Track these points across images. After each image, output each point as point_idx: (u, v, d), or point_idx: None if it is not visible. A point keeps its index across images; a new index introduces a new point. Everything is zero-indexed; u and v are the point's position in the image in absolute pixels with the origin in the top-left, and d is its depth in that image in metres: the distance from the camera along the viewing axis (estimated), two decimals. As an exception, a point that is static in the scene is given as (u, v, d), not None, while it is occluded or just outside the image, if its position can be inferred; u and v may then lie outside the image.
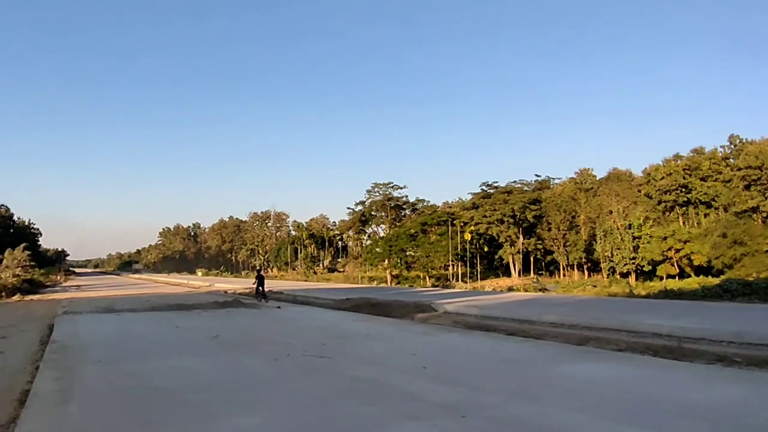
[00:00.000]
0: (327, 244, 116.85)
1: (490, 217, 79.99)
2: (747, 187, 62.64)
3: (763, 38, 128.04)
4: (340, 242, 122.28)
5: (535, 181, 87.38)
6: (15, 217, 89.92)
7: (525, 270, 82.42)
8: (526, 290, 33.46)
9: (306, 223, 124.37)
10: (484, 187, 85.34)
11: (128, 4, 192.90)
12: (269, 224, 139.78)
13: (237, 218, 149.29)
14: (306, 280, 69.35)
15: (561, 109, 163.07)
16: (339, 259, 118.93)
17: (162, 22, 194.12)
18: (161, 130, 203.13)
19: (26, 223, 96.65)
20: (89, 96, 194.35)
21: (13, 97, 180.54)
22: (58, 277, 70.96)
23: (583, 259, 76.56)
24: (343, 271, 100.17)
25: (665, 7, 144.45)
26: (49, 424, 5.49)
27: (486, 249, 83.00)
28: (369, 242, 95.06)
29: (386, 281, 70.53)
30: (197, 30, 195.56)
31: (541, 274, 79.29)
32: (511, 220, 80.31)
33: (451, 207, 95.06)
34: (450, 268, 74.02)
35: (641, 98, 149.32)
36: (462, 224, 70.73)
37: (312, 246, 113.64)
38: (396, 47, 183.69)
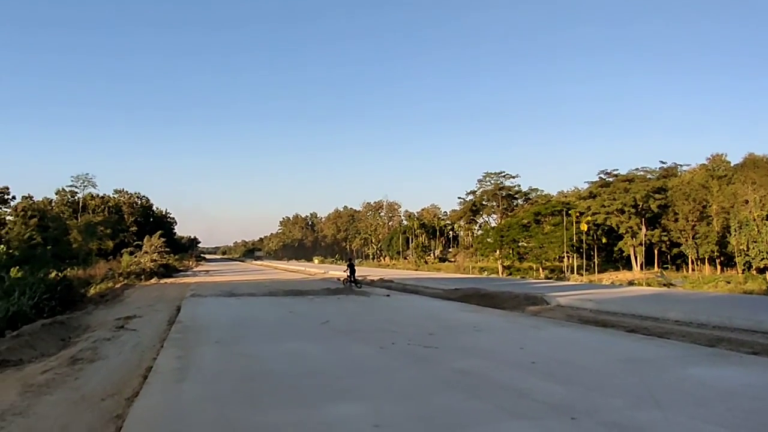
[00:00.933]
0: (438, 233, 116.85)
1: (608, 206, 75.99)
2: None
3: None
4: (450, 232, 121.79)
5: (659, 168, 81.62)
6: (154, 207, 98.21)
7: (648, 263, 77.56)
8: (648, 285, 31.42)
9: (417, 212, 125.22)
10: (602, 176, 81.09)
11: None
12: (382, 214, 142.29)
13: (351, 208, 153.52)
14: (416, 270, 69.87)
15: (687, 92, 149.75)
16: (449, 249, 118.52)
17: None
18: (280, 123, 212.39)
19: (164, 213, 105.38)
20: (220, 90, 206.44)
21: (153, 93, 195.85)
22: (190, 263, 76.96)
23: (716, 253, 70.56)
24: (454, 261, 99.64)
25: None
26: (164, 400, 5.87)
27: (604, 240, 78.96)
28: (480, 232, 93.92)
29: (497, 272, 69.44)
30: (309, 32, 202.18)
31: (666, 268, 74.22)
32: (633, 210, 75.80)
33: (566, 196, 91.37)
34: (564, 260, 71.36)
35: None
36: (578, 214, 67.75)
37: (423, 236, 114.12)
38: (510, 30, 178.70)
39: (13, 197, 69.28)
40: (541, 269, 70.18)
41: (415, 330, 10.90)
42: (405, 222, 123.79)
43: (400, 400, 5.73)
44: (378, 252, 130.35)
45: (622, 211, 74.93)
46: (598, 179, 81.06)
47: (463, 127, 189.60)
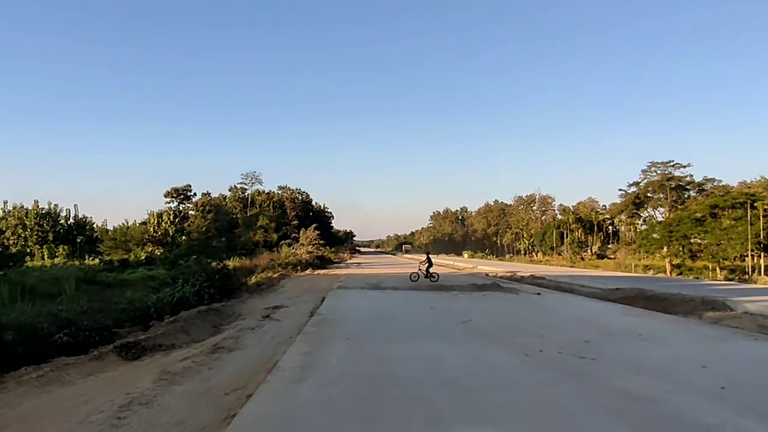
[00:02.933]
0: (596, 228, 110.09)
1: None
2: None
3: None
4: (610, 227, 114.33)
5: None
6: (313, 202, 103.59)
7: None
8: None
9: (573, 206, 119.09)
10: (797, 162, 70.52)
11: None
12: (534, 208, 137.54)
13: (502, 202, 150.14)
14: (572, 266, 66.01)
15: None
16: (609, 245, 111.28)
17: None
18: (433, 115, 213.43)
19: (322, 207, 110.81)
20: (380, 85, 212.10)
21: (313, 90, 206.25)
22: (345, 255, 80.00)
23: None
24: (614, 258, 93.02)
25: None
26: (276, 403, 5.37)
27: (799, 237, 68.76)
28: (644, 227, 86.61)
29: (665, 271, 63.38)
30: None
31: None
32: (839, 202, 64.92)
33: (749, 187, 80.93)
34: (748, 259, 63.12)
35: None
36: (766, 207, 59.45)
37: (579, 230, 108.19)
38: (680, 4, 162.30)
39: (194, 194, 77.08)
40: (718, 269, 62.82)
41: (568, 335, 9.52)
42: (559, 216, 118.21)
43: (543, 428, 4.67)
44: (530, 247, 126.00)
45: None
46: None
47: (623, 115, 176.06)
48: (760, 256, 60.66)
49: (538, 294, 18.86)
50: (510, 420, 4.90)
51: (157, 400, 6.27)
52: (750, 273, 57.86)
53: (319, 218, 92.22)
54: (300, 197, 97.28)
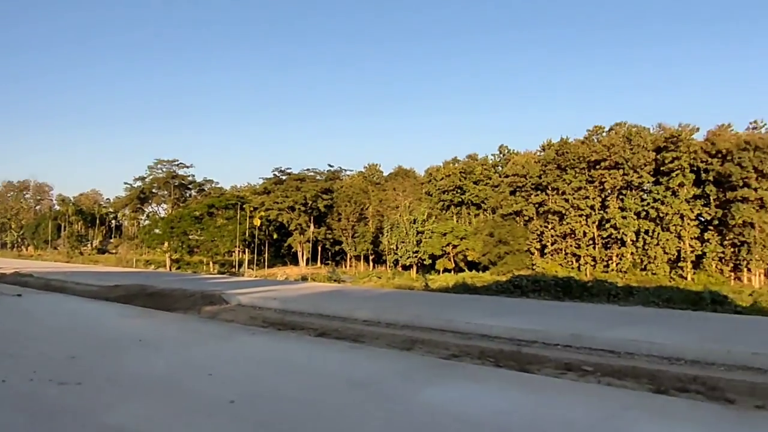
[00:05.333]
0: (98, 222, 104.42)
1: (281, 203, 78.22)
2: (512, 193, 69.92)
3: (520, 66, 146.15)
4: (114, 221, 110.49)
5: (327, 170, 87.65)
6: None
7: (313, 259, 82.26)
8: (314, 280, 32.19)
9: (74, 197, 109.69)
10: (276, 173, 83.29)
11: None
12: (27, 196, 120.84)
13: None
14: (69, 261, 60.29)
15: (348, 105, 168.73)
16: (111, 240, 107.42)
17: None
18: None
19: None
20: None
21: None
22: None
23: (370, 251, 78.85)
24: (116, 253, 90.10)
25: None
26: None
27: (275, 236, 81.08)
28: (147, 222, 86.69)
29: (165, 266, 64.71)
30: None
31: (328, 263, 79.85)
32: (303, 208, 79.48)
33: (240, 191, 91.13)
34: (236, 254, 70.59)
35: (428, 101, 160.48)
36: (252, 209, 67.71)
37: (79, 223, 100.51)
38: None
39: None
40: (212, 263, 67.90)
41: (50, 350, 7.49)
42: (57, 207, 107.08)
43: None
44: (20, 240, 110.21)
45: (293, 209, 77.93)
46: (272, 176, 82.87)
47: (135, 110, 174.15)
48: (245, 252, 68.63)
49: (19, 296, 15.58)
50: None
51: None
52: (237, 267, 64.73)
53: None
54: None
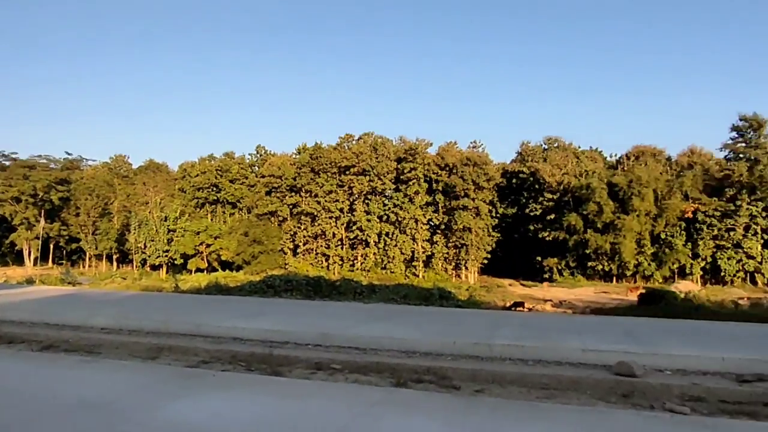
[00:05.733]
0: None
1: (4, 194, 68.20)
2: (268, 193, 71.30)
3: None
4: None
5: (65, 159, 78.98)
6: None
7: (43, 258, 73.36)
8: (43, 282, 29.25)
9: None
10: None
11: None
12: None
13: None
14: None
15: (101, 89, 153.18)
16: None
17: None
18: None
19: None
20: None
21: None
22: None
23: (114, 250, 72.97)
24: None
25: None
26: None
27: (-7, 231, 70.36)
28: None
29: None
30: None
31: (62, 264, 71.95)
32: (32, 200, 70.42)
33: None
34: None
35: (185, 94, 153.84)
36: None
37: None
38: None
39: None
40: None
41: None
42: None
43: None
44: None
45: (19, 200, 68.71)
46: (-8, 162, 71.80)
47: None
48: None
49: None
50: None
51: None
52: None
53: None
54: None
